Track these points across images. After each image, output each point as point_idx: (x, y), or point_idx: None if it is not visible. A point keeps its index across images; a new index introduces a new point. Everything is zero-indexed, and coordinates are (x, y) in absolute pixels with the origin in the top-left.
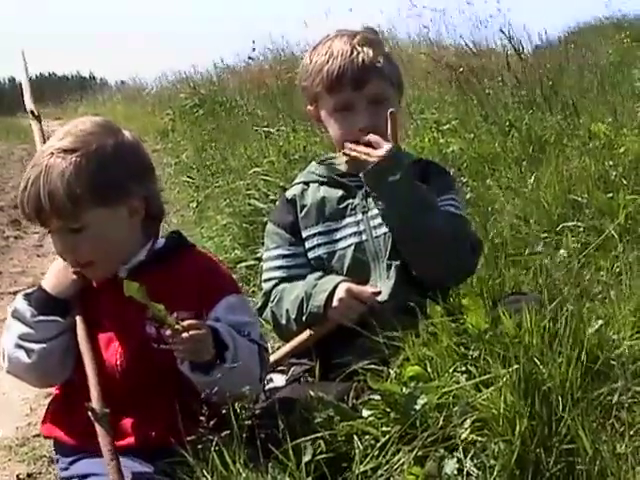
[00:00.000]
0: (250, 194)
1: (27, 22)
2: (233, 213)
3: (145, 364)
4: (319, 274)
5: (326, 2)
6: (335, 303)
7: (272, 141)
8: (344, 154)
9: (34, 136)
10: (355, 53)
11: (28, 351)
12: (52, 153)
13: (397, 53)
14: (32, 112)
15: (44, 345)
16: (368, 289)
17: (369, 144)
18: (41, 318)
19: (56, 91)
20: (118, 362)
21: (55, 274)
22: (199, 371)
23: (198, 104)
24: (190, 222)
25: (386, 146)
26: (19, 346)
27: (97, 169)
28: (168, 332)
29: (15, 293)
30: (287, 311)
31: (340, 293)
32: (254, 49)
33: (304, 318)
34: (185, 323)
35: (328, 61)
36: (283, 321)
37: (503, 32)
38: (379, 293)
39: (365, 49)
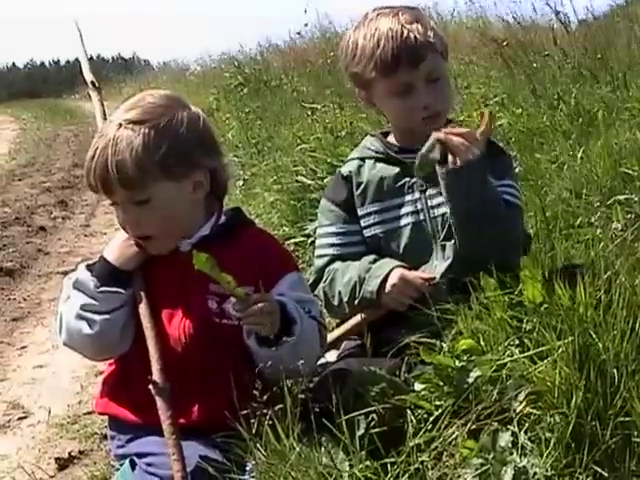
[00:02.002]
0: (297, 171)
1: (71, 4)
2: (281, 190)
3: (207, 338)
4: (373, 257)
5: None
6: (388, 289)
7: (318, 118)
8: (437, 139)
9: (94, 107)
10: (406, 32)
11: (90, 322)
12: (120, 124)
13: (442, 28)
14: (92, 83)
15: (106, 316)
16: (422, 275)
17: (461, 136)
18: (104, 289)
19: (100, 73)
20: (182, 336)
21: (118, 246)
22: (266, 345)
23: (243, 83)
24: (237, 200)
25: (479, 146)
26: (81, 317)
27: (165, 142)
28: (235, 303)
29: (64, 273)
30: (340, 293)
31: (393, 279)
32: (306, 24)
33: (357, 302)
34: (253, 295)
35: (379, 44)
36: (335, 302)
37: (549, 5)
38: (433, 279)
39: (414, 26)
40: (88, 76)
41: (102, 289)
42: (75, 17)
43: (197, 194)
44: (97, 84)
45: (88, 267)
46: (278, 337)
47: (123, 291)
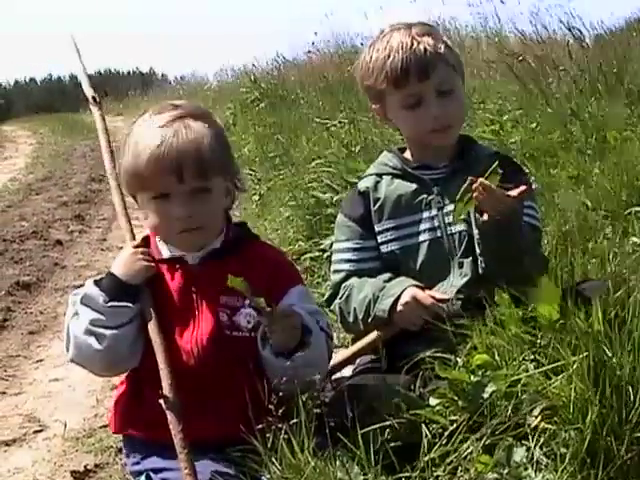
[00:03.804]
0: (313, 186)
1: (88, 20)
2: (296, 205)
3: (219, 351)
4: (389, 275)
5: None
6: (400, 308)
7: (334, 133)
8: (472, 183)
9: (96, 123)
10: (416, 43)
11: (99, 337)
12: (182, 117)
13: (458, 44)
14: (94, 98)
15: (116, 331)
16: (435, 295)
17: (489, 193)
18: (113, 304)
19: (117, 87)
20: (194, 349)
21: (125, 261)
22: (282, 356)
23: (259, 98)
24: (253, 215)
25: (513, 202)
26: (90, 332)
27: (222, 139)
28: (263, 318)
29: (80, 287)
30: (355, 310)
31: (405, 298)
32: (313, 42)
33: (370, 320)
34: (280, 310)
35: (389, 56)
36: (350, 319)
37: (562, 22)
38: (446, 300)
39: (425, 38)
40: (88, 91)
41: (111, 304)
42: (71, 33)
43: (226, 200)
44: (98, 99)
45: (96, 282)
46: (295, 347)
47: (132, 305)
